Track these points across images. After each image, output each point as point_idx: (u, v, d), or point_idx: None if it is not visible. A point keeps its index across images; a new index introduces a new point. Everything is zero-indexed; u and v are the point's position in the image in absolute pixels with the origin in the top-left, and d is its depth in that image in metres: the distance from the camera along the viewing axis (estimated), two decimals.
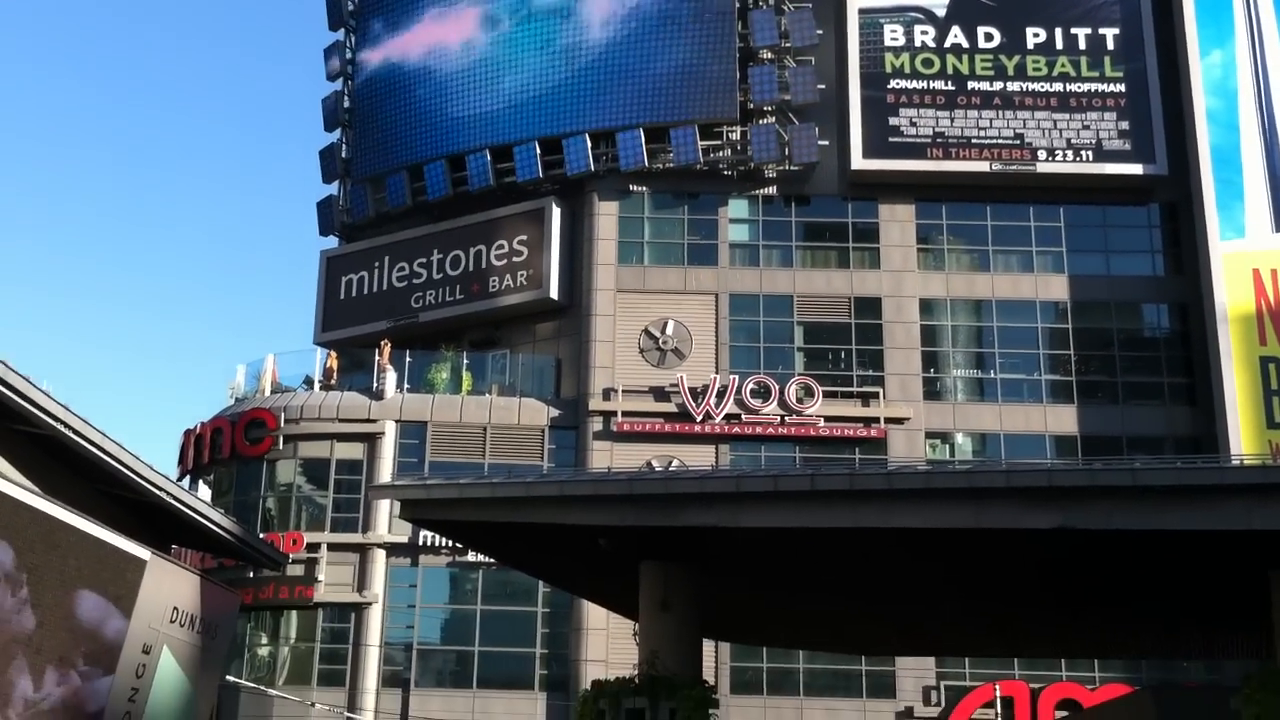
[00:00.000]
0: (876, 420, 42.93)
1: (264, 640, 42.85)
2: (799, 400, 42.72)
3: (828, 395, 42.99)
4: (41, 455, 19.41)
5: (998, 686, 39.48)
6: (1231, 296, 42.39)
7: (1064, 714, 38.60)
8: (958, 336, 44.93)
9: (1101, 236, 45.42)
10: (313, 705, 39.56)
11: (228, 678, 33.43)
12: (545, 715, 40.66)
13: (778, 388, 42.77)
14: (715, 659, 38.64)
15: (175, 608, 20.05)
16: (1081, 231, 45.27)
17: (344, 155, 50.49)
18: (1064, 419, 43.28)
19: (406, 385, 44.55)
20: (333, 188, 50.93)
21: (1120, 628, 25.87)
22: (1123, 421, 43.15)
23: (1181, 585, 21.25)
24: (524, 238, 45.61)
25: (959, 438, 43.73)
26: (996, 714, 38.73)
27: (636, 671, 19.64)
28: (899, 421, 43.01)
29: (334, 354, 46.61)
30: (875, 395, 43.28)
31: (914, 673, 40.64)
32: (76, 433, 18.85)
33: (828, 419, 42.74)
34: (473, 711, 40.51)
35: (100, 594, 18.38)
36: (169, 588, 19.89)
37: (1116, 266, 45.08)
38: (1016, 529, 17.50)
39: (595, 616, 38.97)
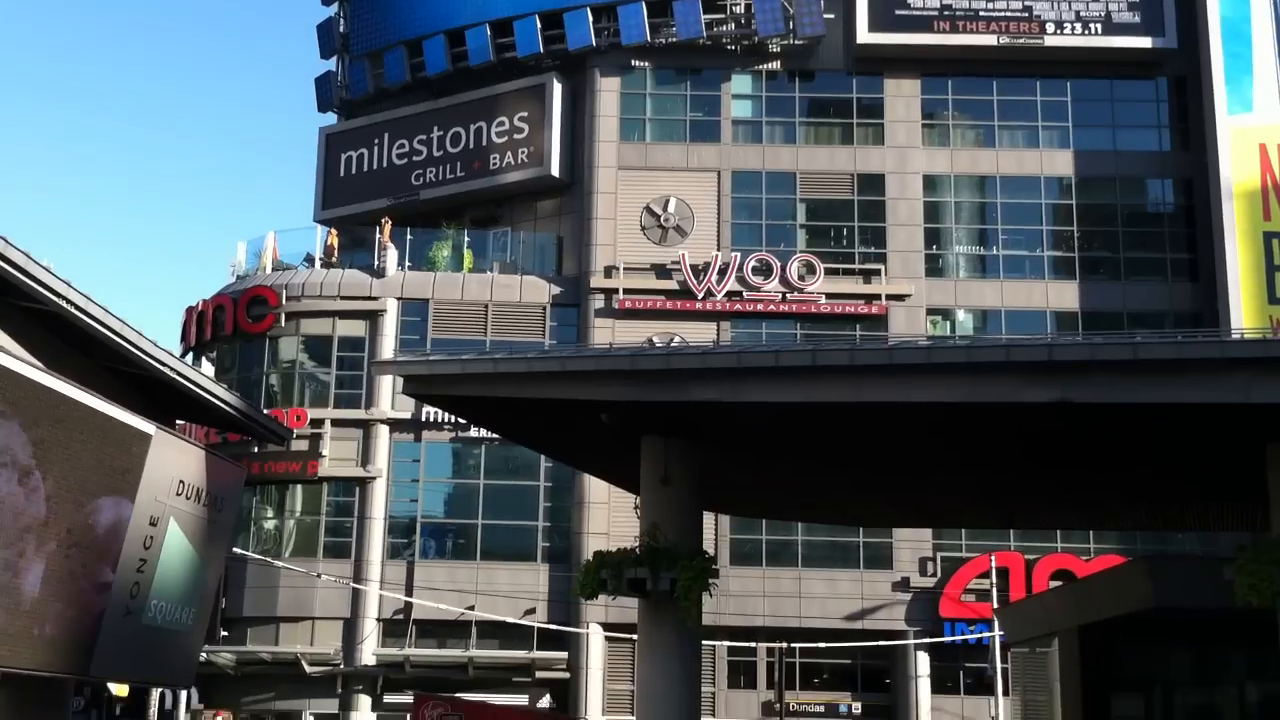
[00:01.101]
0: (878, 297, 42.96)
1: (270, 514, 43.44)
2: (800, 277, 42.69)
3: (829, 272, 42.97)
4: (44, 331, 19.43)
5: (993, 557, 40.09)
6: (1237, 171, 42.10)
7: (1058, 584, 39.19)
8: (961, 213, 44.71)
9: (1108, 111, 44.93)
10: (319, 576, 40.26)
11: (234, 550, 33.90)
12: (548, 586, 41.37)
13: (779, 265, 42.71)
14: (715, 531, 39.17)
15: (181, 481, 20.29)
16: (1088, 106, 44.79)
17: (342, 30, 49.74)
18: (1065, 295, 43.29)
19: (408, 263, 44.52)
20: (331, 63, 50.27)
21: (1117, 500, 26.12)
22: (1124, 297, 43.16)
23: (1179, 458, 21.38)
24: (525, 114, 45.15)
25: (960, 314, 43.79)
26: (992, 584, 39.37)
27: (637, 543, 19.87)
28: (900, 298, 43.03)
29: (334, 231, 46.57)
30: (877, 272, 43.23)
31: (911, 545, 41.23)
32: (79, 308, 18.83)
33: (829, 296, 42.79)
34: (476, 582, 41.22)
35: (106, 467, 18.57)
36: (174, 461, 20.10)
37: (1122, 141, 44.69)
38: (1016, 403, 17.54)
39: (596, 490, 39.43)
